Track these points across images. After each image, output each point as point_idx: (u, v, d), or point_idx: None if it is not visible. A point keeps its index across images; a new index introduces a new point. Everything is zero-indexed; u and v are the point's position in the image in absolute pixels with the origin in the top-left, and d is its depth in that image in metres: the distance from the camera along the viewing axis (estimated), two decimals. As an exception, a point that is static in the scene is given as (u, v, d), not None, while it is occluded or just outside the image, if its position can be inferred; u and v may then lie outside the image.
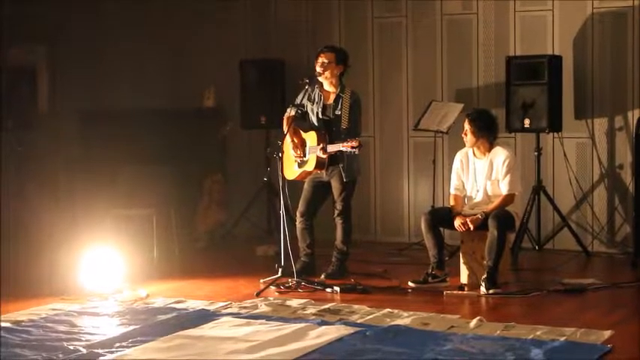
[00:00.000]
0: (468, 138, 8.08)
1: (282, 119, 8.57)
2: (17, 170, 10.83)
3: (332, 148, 8.15)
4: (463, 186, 8.21)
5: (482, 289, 7.69)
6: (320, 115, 8.38)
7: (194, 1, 11.35)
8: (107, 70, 11.71)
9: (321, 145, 8.20)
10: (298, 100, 8.51)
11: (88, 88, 11.57)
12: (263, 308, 7.21)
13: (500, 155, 8.02)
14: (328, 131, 8.31)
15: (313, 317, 6.89)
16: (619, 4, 9.40)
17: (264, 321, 6.78)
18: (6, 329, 6.66)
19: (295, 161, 8.45)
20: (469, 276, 8.05)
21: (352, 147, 7.93)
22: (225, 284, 8.28)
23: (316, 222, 8.61)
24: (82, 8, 11.73)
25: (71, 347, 6.20)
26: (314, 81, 8.43)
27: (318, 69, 8.35)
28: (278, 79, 10.56)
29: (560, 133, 9.48)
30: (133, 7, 11.49)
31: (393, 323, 6.67)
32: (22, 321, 6.88)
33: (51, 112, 11.70)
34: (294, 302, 7.40)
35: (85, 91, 11.52)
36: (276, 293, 7.84)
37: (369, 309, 7.12)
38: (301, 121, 8.51)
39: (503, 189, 7.97)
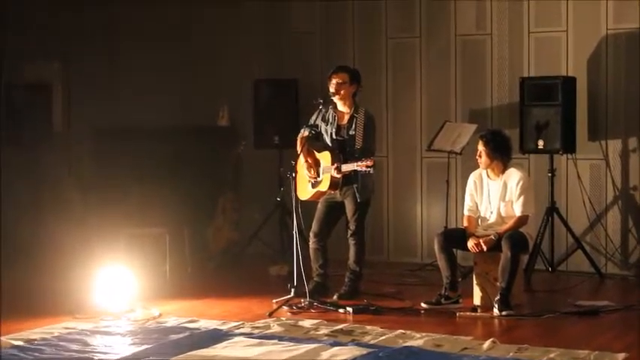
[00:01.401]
0: (483, 160, 8.06)
1: (296, 139, 8.57)
2: (31, 188, 10.85)
3: (346, 167, 8.14)
4: (477, 207, 8.20)
5: (496, 311, 7.67)
6: (334, 136, 8.38)
7: (208, 20, 11.38)
8: (121, 87, 11.74)
9: (335, 165, 8.19)
10: (312, 121, 8.52)
11: (102, 105, 11.60)
12: (275, 328, 7.20)
13: (514, 176, 8.00)
14: (342, 151, 8.31)
15: (326, 338, 6.87)
16: (633, 26, 9.39)
17: (276, 341, 6.76)
18: (18, 347, 6.67)
19: (309, 181, 8.45)
20: (482, 297, 8.02)
21: (367, 166, 7.92)
22: (238, 304, 8.27)
23: (329, 242, 8.60)
24: (97, 25, 11.77)
25: (84, 366, 6.21)
26: (328, 101, 8.43)
27: (332, 90, 8.35)
28: (292, 98, 10.57)
29: (573, 155, 9.47)
30: (147, 25, 11.53)
31: (405, 344, 6.65)
32: (35, 339, 6.88)
33: (65, 130, 11.73)
34: (307, 323, 7.39)
35: (98, 108, 11.55)
36: (289, 313, 7.82)
37: (381, 330, 7.10)
38: (315, 142, 8.51)
39: (517, 210, 7.95)
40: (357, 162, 8.01)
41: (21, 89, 11.09)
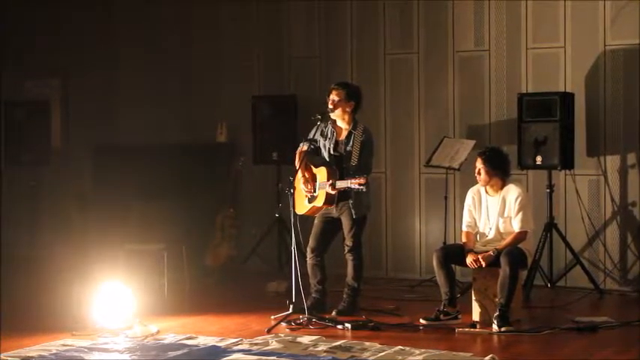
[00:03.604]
0: (482, 177, 8.06)
1: (294, 155, 8.57)
2: (30, 205, 10.85)
3: (341, 184, 8.14)
4: (475, 223, 8.19)
5: (495, 327, 7.65)
6: (332, 151, 8.39)
7: (207, 37, 11.41)
8: (120, 104, 11.77)
9: (330, 181, 8.19)
10: (311, 135, 8.53)
11: (101, 122, 11.62)
12: (274, 345, 7.18)
13: (512, 192, 8.00)
14: (339, 167, 8.31)
15: (324, 354, 6.86)
16: (631, 42, 9.41)
17: (275, 358, 6.76)
18: (16, 365, 6.68)
19: (306, 196, 8.45)
20: (481, 313, 8.01)
21: (359, 184, 7.92)
22: (236, 320, 8.25)
23: (327, 258, 8.59)
24: (96, 42, 11.81)
25: (81, 383, 6.19)
26: (326, 117, 8.43)
27: (329, 106, 8.36)
28: (290, 115, 10.58)
29: (572, 171, 9.47)
30: (147, 43, 11.56)
31: (404, 361, 6.65)
32: (33, 357, 6.86)
33: (64, 147, 11.74)
34: (306, 339, 7.37)
35: (97, 125, 11.57)
36: (287, 330, 7.81)
37: (380, 346, 7.08)
38: (313, 156, 8.51)
39: (516, 226, 7.95)
40: (351, 179, 8.00)
41: (20, 106, 11.11)
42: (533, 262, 8.93)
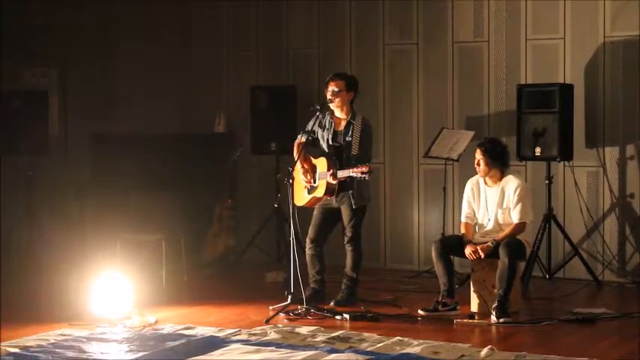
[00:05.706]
0: (482, 168, 8.06)
1: (293, 145, 8.56)
2: (28, 195, 10.83)
3: (342, 173, 8.13)
4: (474, 214, 8.19)
5: (493, 318, 7.66)
6: (330, 142, 8.38)
7: (207, 28, 11.38)
8: (118, 94, 11.75)
9: (331, 171, 8.18)
10: (309, 127, 8.52)
11: (99, 112, 11.60)
12: (272, 335, 7.18)
13: (511, 183, 8.00)
14: (339, 157, 8.30)
15: (323, 345, 6.86)
16: (631, 33, 9.39)
17: (273, 348, 6.75)
18: (14, 355, 6.65)
19: (305, 187, 8.44)
20: (480, 304, 8.01)
21: (362, 172, 7.91)
22: (235, 311, 8.25)
23: (326, 249, 8.58)
24: (94, 31, 11.78)
25: (80, 373, 6.19)
26: (325, 108, 8.42)
27: (329, 97, 8.35)
28: (289, 105, 10.56)
29: (571, 162, 9.46)
30: (145, 32, 11.54)
31: (403, 352, 6.63)
32: (31, 346, 6.86)
33: (62, 137, 11.72)
34: (304, 329, 7.37)
35: (95, 114, 11.54)
36: (286, 320, 7.81)
37: (379, 337, 7.09)
38: (312, 148, 8.50)
39: (515, 217, 7.94)
40: (352, 168, 7.99)
41: (18, 95, 11.07)
42: (532, 254, 8.94)
